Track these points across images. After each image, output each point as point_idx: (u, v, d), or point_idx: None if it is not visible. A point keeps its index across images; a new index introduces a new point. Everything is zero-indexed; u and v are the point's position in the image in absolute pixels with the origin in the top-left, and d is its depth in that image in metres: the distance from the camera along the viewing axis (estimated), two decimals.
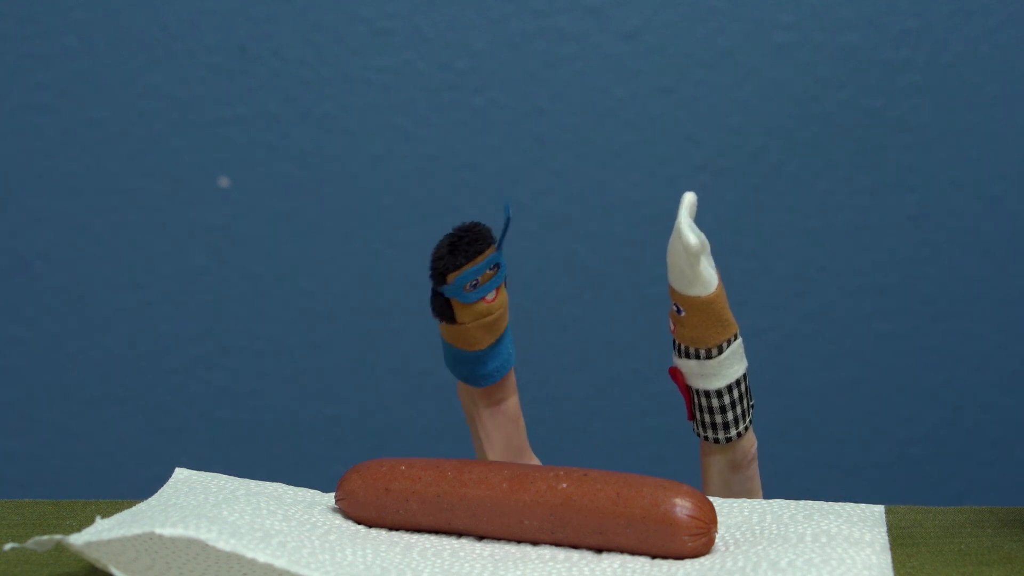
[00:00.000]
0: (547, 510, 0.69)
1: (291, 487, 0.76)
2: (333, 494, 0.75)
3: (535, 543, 0.70)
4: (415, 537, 0.70)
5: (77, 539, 0.63)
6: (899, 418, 1.51)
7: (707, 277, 0.76)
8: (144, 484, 1.22)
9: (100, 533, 0.64)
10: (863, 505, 0.72)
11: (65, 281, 1.48)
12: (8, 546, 0.63)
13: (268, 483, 0.76)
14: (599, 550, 0.68)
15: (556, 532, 0.69)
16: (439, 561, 0.66)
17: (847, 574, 0.62)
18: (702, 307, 0.76)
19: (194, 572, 0.65)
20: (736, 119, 1.48)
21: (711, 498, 0.75)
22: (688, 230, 0.76)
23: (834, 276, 1.49)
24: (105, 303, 1.48)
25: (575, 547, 0.69)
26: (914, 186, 1.49)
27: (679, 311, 0.77)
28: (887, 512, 0.75)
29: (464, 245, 0.75)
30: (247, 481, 0.75)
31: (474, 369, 0.77)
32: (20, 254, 1.48)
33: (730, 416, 0.78)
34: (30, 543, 0.63)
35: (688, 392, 0.79)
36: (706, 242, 0.77)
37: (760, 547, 0.66)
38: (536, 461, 0.81)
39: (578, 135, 1.48)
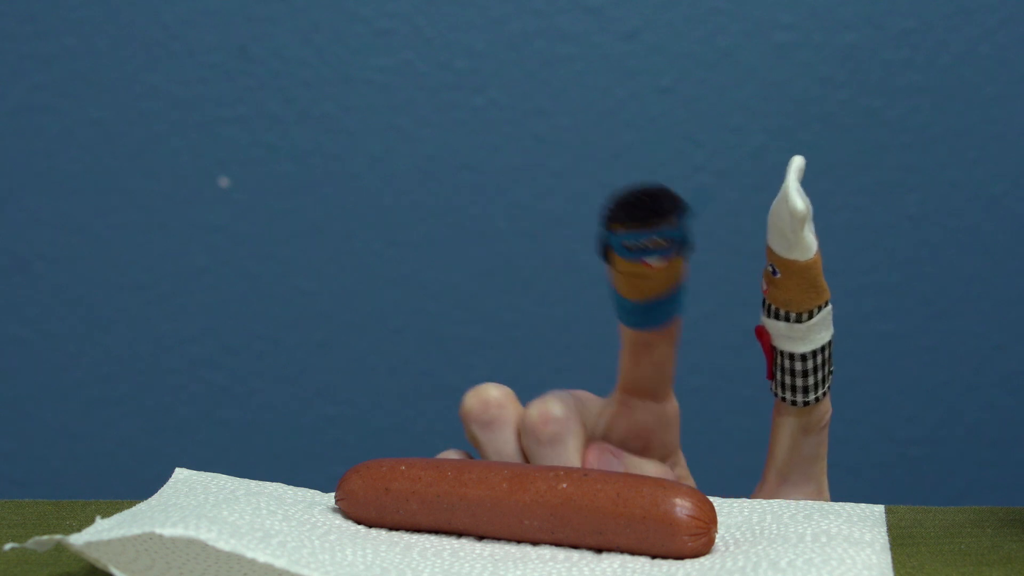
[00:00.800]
0: (547, 510, 0.69)
1: (291, 487, 0.76)
2: (333, 494, 0.75)
3: (535, 543, 0.70)
4: (415, 537, 0.70)
5: (77, 539, 0.63)
6: (899, 418, 1.51)
7: (808, 242, 0.76)
8: (144, 484, 1.22)
9: (100, 533, 0.64)
10: (863, 505, 0.72)
11: (65, 281, 1.48)
12: (8, 546, 0.63)
13: (268, 483, 0.76)
14: (599, 550, 0.69)
15: (556, 532, 0.69)
16: (439, 561, 0.66)
17: (847, 574, 0.62)
18: (799, 271, 0.76)
19: (194, 572, 0.65)
20: (736, 119, 1.48)
21: (711, 498, 0.75)
22: (796, 195, 0.76)
23: (834, 276, 1.50)
24: (105, 303, 1.48)
25: (575, 547, 0.69)
26: (914, 186, 1.49)
27: (775, 272, 0.77)
28: (887, 512, 0.75)
29: (642, 205, 0.72)
30: (247, 481, 0.75)
31: (619, 310, 0.76)
32: (20, 254, 1.48)
33: (811, 380, 0.79)
34: (30, 543, 0.63)
35: (772, 352, 0.79)
36: (811, 208, 0.77)
37: (760, 547, 0.66)
38: (662, 407, 0.80)
39: (578, 135, 1.48)
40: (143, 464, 1.49)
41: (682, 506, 0.67)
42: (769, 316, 0.78)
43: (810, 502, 0.73)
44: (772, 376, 0.80)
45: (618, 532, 0.67)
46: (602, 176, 1.49)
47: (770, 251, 0.77)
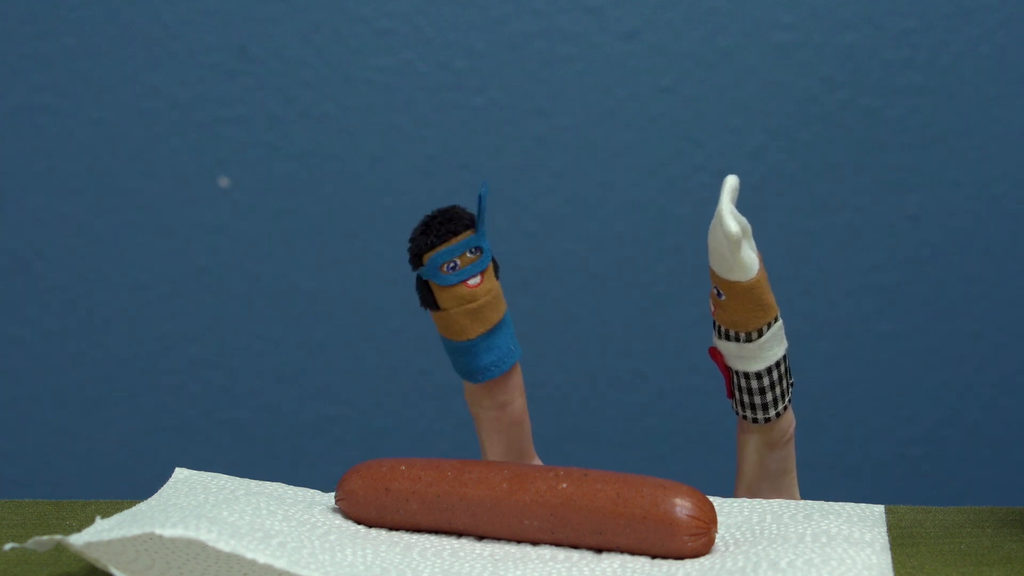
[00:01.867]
0: (547, 510, 0.69)
1: (291, 487, 0.76)
2: (333, 494, 0.75)
3: (535, 543, 0.70)
4: (415, 537, 0.70)
5: (77, 539, 0.63)
6: (899, 418, 1.51)
7: (748, 262, 0.76)
8: (144, 484, 1.21)
9: (100, 533, 0.64)
10: (863, 505, 0.72)
11: (65, 281, 1.48)
12: (8, 546, 0.63)
13: (268, 483, 0.76)
14: (599, 550, 0.68)
15: (556, 532, 0.69)
16: (439, 561, 0.66)
17: (847, 574, 0.62)
18: (742, 292, 0.76)
19: (194, 572, 0.65)
20: (736, 119, 1.48)
21: (711, 498, 0.75)
22: (729, 216, 0.75)
23: (834, 276, 1.49)
24: (105, 303, 1.48)
25: (575, 547, 0.69)
26: (914, 186, 1.49)
27: (719, 294, 0.76)
28: (887, 512, 0.75)
29: (437, 224, 0.74)
30: (247, 481, 0.75)
31: (468, 362, 0.76)
32: (20, 254, 1.48)
33: (769, 397, 0.78)
34: (30, 543, 0.63)
35: (728, 372, 0.78)
36: (748, 227, 0.76)
37: (760, 547, 0.66)
38: (538, 462, 0.81)
39: (578, 135, 1.48)
40: (143, 464, 1.49)
41: (682, 506, 0.67)
42: (720, 337, 0.78)
43: (810, 502, 0.73)
44: (732, 395, 0.79)
45: (618, 532, 0.67)
46: (602, 176, 1.49)
47: (713, 273, 0.77)
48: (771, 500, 0.74)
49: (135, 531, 0.63)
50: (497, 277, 0.75)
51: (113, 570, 0.64)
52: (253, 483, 0.75)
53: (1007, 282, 1.50)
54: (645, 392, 1.50)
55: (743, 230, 0.75)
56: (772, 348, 0.77)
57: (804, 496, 0.80)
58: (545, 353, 1.49)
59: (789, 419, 0.80)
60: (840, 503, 0.73)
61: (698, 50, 1.48)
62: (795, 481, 0.81)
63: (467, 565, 0.66)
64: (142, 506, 0.70)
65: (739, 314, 0.76)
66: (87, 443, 1.50)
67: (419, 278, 0.74)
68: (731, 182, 0.76)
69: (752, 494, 0.80)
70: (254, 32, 1.47)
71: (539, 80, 1.48)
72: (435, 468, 0.71)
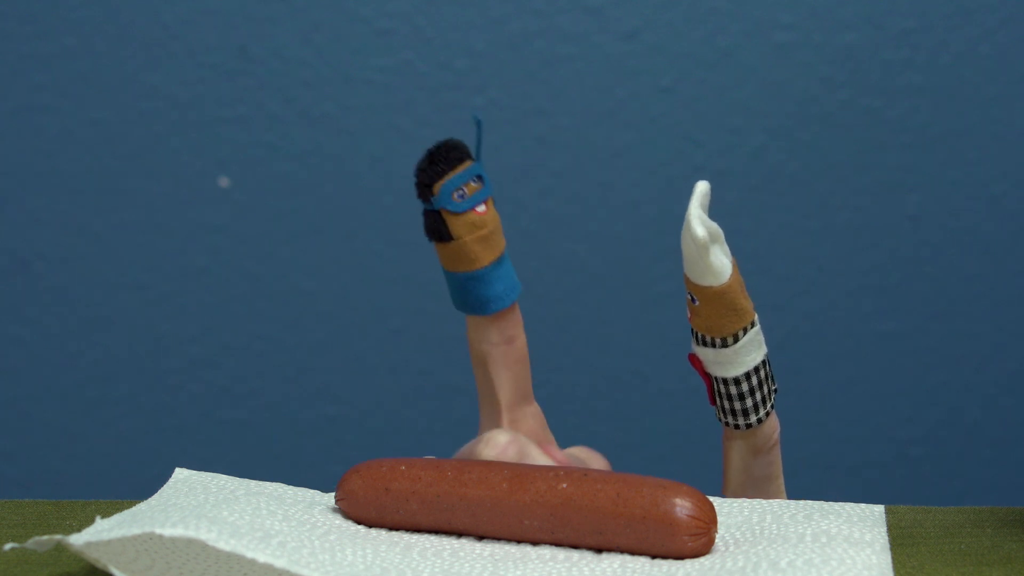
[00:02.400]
0: (547, 510, 0.69)
1: (291, 487, 0.76)
2: (333, 494, 0.75)
3: (535, 543, 0.70)
4: (415, 537, 0.70)
5: (77, 539, 0.63)
6: (899, 418, 1.51)
7: (719, 267, 0.76)
8: (144, 484, 1.22)
9: (100, 533, 0.64)
10: (863, 505, 0.72)
11: (65, 281, 1.48)
12: (8, 546, 0.63)
13: (268, 483, 0.76)
14: (599, 550, 0.68)
15: (556, 532, 0.69)
16: (439, 561, 0.66)
17: (847, 574, 0.62)
18: (715, 297, 0.76)
19: (194, 572, 0.65)
20: (736, 119, 1.48)
21: (711, 498, 0.75)
22: (697, 221, 0.75)
23: (834, 276, 1.50)
24: (105, 303, 1.48)
25: (575, 547, 0.69)
26: (914, 186, 1.49)
27: (694, 300, 0.77)
28: (887, 512, 0.75)
29: (443, 153, 0.75)
30: (247, 481, 0.75)
31: (481, 291, 0.77)
32: (20, 254, 1.48)
33: (749, 403, 0.78)
34: (30, 543, 0.63)
35: (708, 378, 0.78)
36: (719, 231, 0.76)
37: (760, 547, 0.66)
38: (536, 408, 0.81)
39: (578, 135, 1.48)
40: (143, 464, 1.49)
41: (682, 506, 0.67)
42: (698, 343, 0.78)
43: (810, 502, 0.73)
44: (714, 402, 0.79)
45: (618, 532, 0.67)
46: (602, 176, 1.49)
47: (687, 279, 0.76)
48: (771, 500, 0.74)
49: (135, 531, 0.63)
50: (492, 201, 0.77)
51: (113, 570, 0.64)
52: (253, 483, 0.75)
53: (1007, 282, 1.50)
54: (645, 392, 1.50)
55: (712, 235, 0.75)
56: (750, 353, 0.77)
57: (805, 496, 0.80)
58: (545, 353, 1.49)
59: (773, 424, 0.80)
60: (840, 503, 0.73)
61: (698, 50, 1.48)
62: (782, 487, 0.81)
63: (467, 565, 0.66)
64: (142, 506, 0.70)
65: (713, 319, 0.76)
66: (87, 443, 1.50)
67: (429, 211, 0.75)
68: (700, 187, 0.76)
69: None
70: (254, 32, 1.47)
71: (539, 80, 1.48)
72: (435, 468, 0.71)
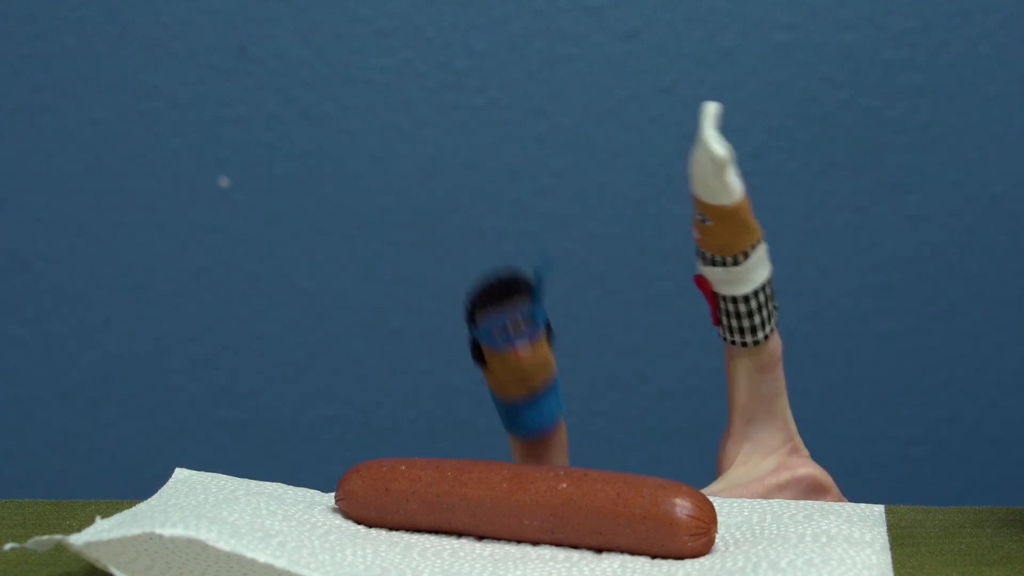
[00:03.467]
0: (547, 510, 0.69)
1: (291, 487, 0.76)
2: (333, 494, 0.75)
3: (535, 543, 0.70)
4: (415, 537, 0.70)
5: (77, 539, 0.63)
6: (899, 418, 1.51)
7: (733, 186, 0.77)
8: (144, 484, 1.22)
9: (100, 533, 0.64)
10: (863, 505, 0.72)
11: (65, 281, 1.48)
12: (8, 546, 0.63)
13: (268, 483, 0.76)
14: (599, 550, 0.68)
15: (556, 532, 0.69)
16: (439, 561, 0.66)
17: (847, 574, 0.62)
18: (728, 215, 0.77)
19: (194, 572, 0.65)
20: (736, 119, 1.48)
21: (711, 498, 0.75)
22: (714, 141, 0.76)
23: (834, 276, 1.50)
24: (105, 303, 1.48)
25: (575, 547, 0.69)
26: (914, 186, 1.49)
27: (704, 220, 0.77)
28: (887, 512, 0.75)
29: (493, 287, 0.74)
30: (247, 481, 0.75)
31: (511, 419, 0.77)
32: (20, 254, 1.48)
33: (756, 320, 0.79)
34: (30, 543, 0.63)
35: (714, 299, 0.79)
36: (731, 151, 0.77)
37: (760, 547, 0.66)
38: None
39: (578, 135, 1.48)
40: (143, 464, 1.49)
41: (682, 506, 0.67)
42: (706, 263, 0.79)
43: (811, 502, 0.73)
44: (718, 322, 0.80)
45: (618, 532, 0.67)
46: (602, 176, 1.49)
47: (697, 200, 0.77)
48: (771, 500, 0.74)
49: (135, 531, 0.63)
50: (551, 345, 0.75)
51: (113, 570, 0.64)
52: (253, 483, 0.75)
53: (1007, 282, 1.50)
54: (645, 392, 1.50)
55: (728, 153, 0.76)
56: (758, 270, 0.78)
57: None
58: None
59: (776, 341, 0.81)
60: (840, 503, 0.73)
61: (698, 50, 1.48)
62: (787, 403, 0.82)
63: (467, 565, 0.66)
64: (142, 506, 0.70)
65: (725, 238, 0.77)
66: (87, 443, 1.50)
67: (470, 338, 0.75)
68: (711, 108, 0.77)
69: (746, 420, 0.81)
70: (254, 32, 1.47)
71: (539, 80, 1.48)
72: (435, 468, 0.71)
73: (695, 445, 1.50)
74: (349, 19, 1.47)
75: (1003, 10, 1.47)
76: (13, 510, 0.78)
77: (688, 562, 0.67)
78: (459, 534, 0.71)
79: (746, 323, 0.79)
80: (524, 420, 0.77)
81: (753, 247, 0.78)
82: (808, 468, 0.81)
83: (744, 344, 0.79)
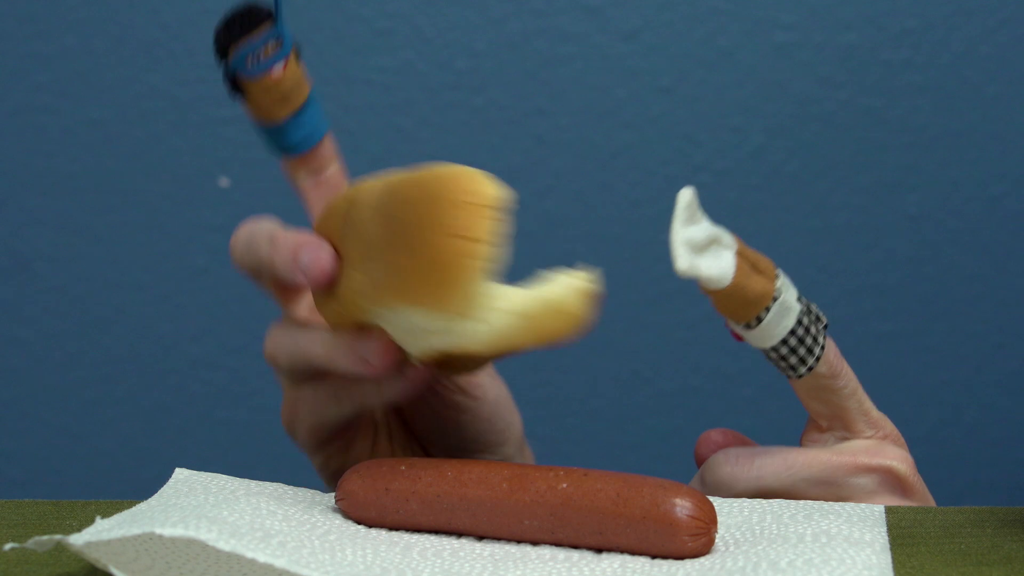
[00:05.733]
0: (547, 510, 0.69)
1: (291, 487, 0.76)
2: (333, 494, 0.75)
3: (535, 543, 0.70)
4: (415, 537, 0.70)
5: (77, 539, 0.63)
6: (899, 418, 1.50)
7: (717, 275, 0.76)
8: (144, 484, 1.21)
9: (100, 533, 0.64)
10: (863, 505, 0.72)
11: (65, 281, 1.48)
12: (8, 546, 0.63)
13: (268, 483, 0.76)
14: (599, 550, 0.68)
15: (556, 532, 0.69)
16: (439, 561, 0.66)
17: (847, 574, 0.62)
18: (723, 298, 0.77)
19: (194, 572, 0.65)
20: (736, 119, 1.48)
21: (711, 498, 0.75)
22: (679, 252, 0.76)
23: (834, 276, 1.49)
24: (105, 303, 1.48)
25: (575, 547, 0.69)
26: (914, 186, 1.49)
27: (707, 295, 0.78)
28: (887, 512, 0.75)
29: (238, 19, 0.77)
30: (247, 481, 0.75)
31: (279, 140, 0.81)
32: (20, 254, 1.48)
33: (794, 359, 0.79)
34: (30, 543, 0.63)
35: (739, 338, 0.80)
36: (715, 234, 0.76)
37: (760, 547, 0.66)
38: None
39: (578, 135, 1.48)
40: (143, 464, 1.49)
41: (682, 506, 0.67)
42: (729, 323, 0.79)
43: (811, 502, 0.73)
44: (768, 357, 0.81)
45: (618, 532, 0.67)
46: (602, 176, 1.49)
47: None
48: (771, 500, 0.74)
49: (135, 531, 0.63)
50: (300, 60, 0.79)
51: (113, 570, 0.64)
52: (253, 483, 0.75)
53: (1007, 282, 1.49)
54: (645, 392, 1.50)
55: (704, 243, 0.76)
56: (779, 324, 0.78)
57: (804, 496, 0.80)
58: (545, 353, 1.49)
59: (829, 359, 0.81)
60: (840, 503, 0.73)
61: (698, 50, 1.48)
62: (865, 397, 0.83)
63: (467, 565, 0.66)
64: (142, 506, 0.70)
65: (730, 310, 0.78)
66: (87, 443, 1.50)
67: (225, 72, 0.77)
68: (683, 199, 0.76)
69: (828, 425, 0.81)
70: None
71: (539, 80, 1.48)
72: (435, 468, 0.71)
73: (695, 445, 1.50)
74: (349, 19, 1.47)
75: (1003, 10, 1.47)
76: (13, 510, 0.78)
77: (688, 562, 0.67)
78: (459, 534, 0.71)
79: (784, 363, 0.79)
80: (293, 136, 0.81)
81: (767, 309, 0.77)
82: (895, 461, 0.81)
83: (799, 376, 0.80)
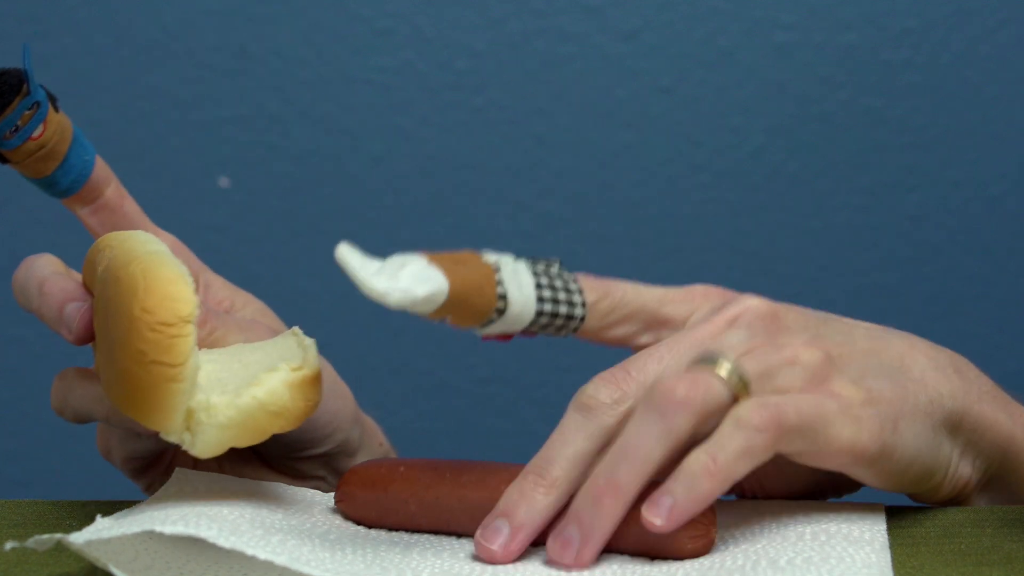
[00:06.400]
0: None
1: (291, 487, 0.76)
2: (333, 494, 0.75)
3: (535, 543, 0.70)
4: (415, 537, 0.70)
5: (77, 538, 0.63)
6: None
7: (434, 286, 0.67)
8: None
9: (100, 532, 0.64)
10: (863, 504, 0.72)
11: None
12: (8, 545, 0.63)
13: (268, 482, 0.76)
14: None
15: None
16: (439, 561, 0.66)
17: (846, 572, 0.62)
18: (456, 303, 0.70)
19: (194, 571, 0.65)
20: (736, 119, 1.48)
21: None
22: (377, 285, 0.68)
23: (834, 276, 1.49)
24: None
25: None
26: (914, 186, 1.49)
27: (445, 319, 0.71)
28: (887, 512, 0.75)
29: None
30: (247, 481, 0.75)
31: (53, 190, 0.84)
32: (20, 254, 1.48)
33: (565, 301, 0.75)
34: (30, 542, 0.63)
35: (509, 337, 0.75)
36: (398, 260, 0.67)
37: (759, 545, 0.66)
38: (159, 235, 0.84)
39: (578, 135, 1.48)
40: None
41: None
42: (482, 331, 0.72)
43: (810, 502, 0.73)
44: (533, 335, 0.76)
45: (618, 533, 0.67)
46: (602, 176, 1.49)
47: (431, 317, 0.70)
48: (771, 500, 0.74)
49: (135, 529, 0.63)
50: (57, 109, 0.80)
51: (113, 569, 0.64)
52: (253, 482, 0.75)
53: (1007, 282, 1.50)
54: None
55: (395, 267, 0.68)
56: (520, 288, 0.71)
57: (804, 497, 0.80)
58: (545, 353, 1.49)
59: (584, 278, 0.77)
60: (840, 502, 0.73)
61: (698, 50, 1.48)
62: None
63: (467, 565, 0.66)
64: (142, 505, 0.70)
65: (471, 311, 0.70)
66: (87, 443, 1.49)
67: None
68: (346, 258, 0.70)
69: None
70: (254, 32, 1.47)
71: (539, 80, 1.48)
72: (433, 469, 0.71)
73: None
74: (349, 19, 1.48)
75: (1003, 10, 1.47)
76: (13, 510, 0.78)
77: (688, 562, 0.67)
78: (459, 535, 0.71)
79: (561, 312, 0.75)
80: (63, 182, 0.83)
81: (496, 311, 0.71)
82: (750, 301, 0.74)
83: (582, 320, 0.77)
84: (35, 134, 0.80)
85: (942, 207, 1.49)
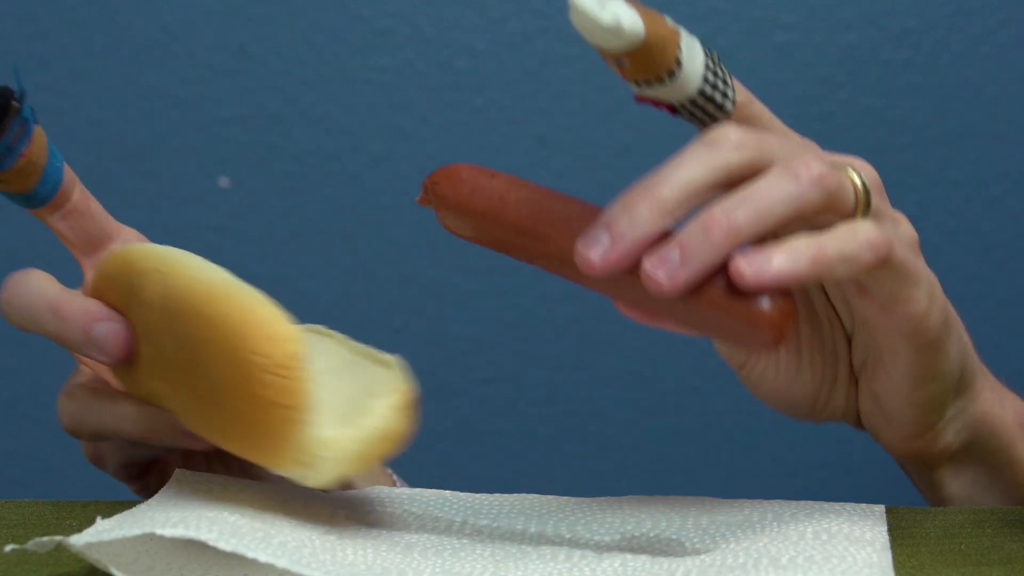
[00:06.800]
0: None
1: (291, 487, 0.76)
2: (332, 494, 0.75)
3: (536, 543, 0.70)
4: (415, 537, 0.70)
5: (78, 540, 0.63)
6: None
7: (625, 29, 0.71)
8: None
9: (100, 534, 0.64)
10: (863, 505, 0.72)
11: (65, 281, 1.48)
12: (8, 547, 0.63)
13: (268, 483, 0.76)
14: (600, 549, 0.68)
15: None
16: (439, 561, 0.66)
17: (848, 571, 0.62)
18: (644, 50, 0.71)
19: (195, 572, 0.65)
20: None
21: (712, 498, 0.75)
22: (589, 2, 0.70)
23: None
24: None
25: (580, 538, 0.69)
26: (914, 186, 1.49)
27: (622, 63, 0.73)
28: (887, 512, 0.75)
29: None
30: (247, 481, 0.75)
31: (30, 202, 0.84)
32: (20, 254, 1.48)
33: (722, 81, 0.75)
34: (30, 544, 0.63)
35: (667, 105, 0.75)
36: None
37: (761, 543, 0.66)
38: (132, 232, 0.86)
39: (578, 135, 1.48)
40: None
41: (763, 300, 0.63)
42: (641, 88, 0.74)
43: (811, 502, 0.73)
44: (675, 113, 0.76)
45: (703, 284, 0.64)
46: (602, 176, 1.49)
47: (607, 57, 0.72)
48: (772, 500, 0.74)
49: (136, 531, 0.63)
50: (38, 122, 0.80)
51: (113, 571, 0.64)
52: (253, 483, 0.75)
53: (1007, 282, 1.50)
54: (645, 392, 1.50)
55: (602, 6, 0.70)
56: (694, 56, 0.72)
57: (804, 496, 0.80)
58: (545, 353, 1.49)
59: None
60: (841, 503, 0.73)
61: None
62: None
63: (468, 565, 0.66)
64: (142, 506, 0.70)
65: (651, 64, 0.72)
66: None
67: None
68: None
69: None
70: (254, 32, 1.47)
71: (539, 80, 1.48)
72: (529, 189, 0.72)
73: (695, 445, 1.50)
74: (349, 19, 1.48)
75: (1003, 10, 1.47)
76: (13, 510, 0.78)
77: (688, 559, 0.67)
78: (460, 529, 0.71)
79: (717, 97, 0.75)
80: (40, 193, 0.84)
81: (677, 56, 0.72)
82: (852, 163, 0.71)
83: (727, 113, 0.76)
84: (24, 151, 0.79)
85: (942, 207, 1.49)
